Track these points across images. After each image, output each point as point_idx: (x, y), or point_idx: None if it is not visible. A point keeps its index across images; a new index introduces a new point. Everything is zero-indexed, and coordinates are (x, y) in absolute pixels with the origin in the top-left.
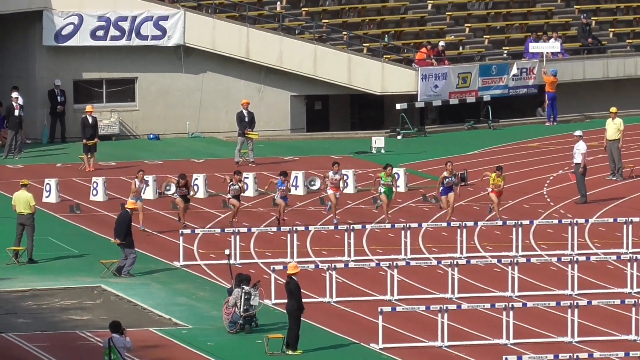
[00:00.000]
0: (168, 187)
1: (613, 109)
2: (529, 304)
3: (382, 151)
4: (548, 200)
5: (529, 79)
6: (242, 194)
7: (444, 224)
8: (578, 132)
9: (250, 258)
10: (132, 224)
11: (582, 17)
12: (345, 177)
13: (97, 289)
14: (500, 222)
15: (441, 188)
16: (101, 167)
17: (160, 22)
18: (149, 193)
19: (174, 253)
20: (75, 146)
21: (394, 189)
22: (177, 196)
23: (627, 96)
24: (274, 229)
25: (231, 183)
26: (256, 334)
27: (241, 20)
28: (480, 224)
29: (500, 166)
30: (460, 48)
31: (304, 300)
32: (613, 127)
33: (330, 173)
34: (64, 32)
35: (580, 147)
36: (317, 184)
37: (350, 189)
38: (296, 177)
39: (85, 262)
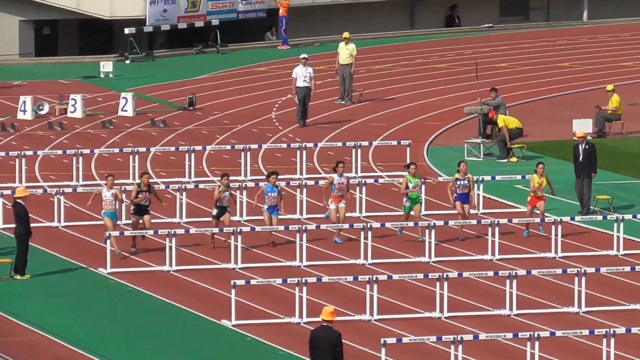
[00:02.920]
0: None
1: (346, 34)
2: (258, 228)
3: (111, 75)
4: (277, 124)
5: (258, 4)
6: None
7: (173, 148)
8: (303, 55)
9: None
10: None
11: None
12: (349, 181)
13: None
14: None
15: (456, 194)
16: None
17: None
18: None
19: None
20: None
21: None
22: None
23: (359, 21)
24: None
25: (221, 189)
26: None
27: None
28: (208, 148)
29: (540, 162)
30: None
31: (32, 225)
32: (346, 52)
33: (335, 176)
34: None
35: (309, 71)
36: (46, 108)
37: (78, 114)
38: (24, 101)
39: None
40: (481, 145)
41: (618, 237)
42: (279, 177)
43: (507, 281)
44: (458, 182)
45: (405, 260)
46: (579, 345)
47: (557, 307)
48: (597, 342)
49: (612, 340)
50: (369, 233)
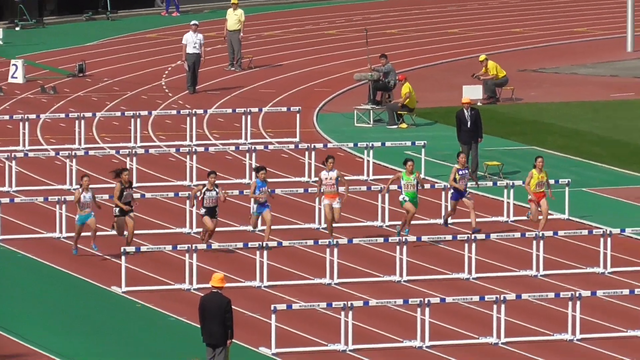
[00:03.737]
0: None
1: (234, 0)
2: (148, 195)
3: (0, 42)
4: (167, 91)
5: None
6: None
7: (63, 115)
8: (193, 22)
9: None
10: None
11: None
12: (343, 176)
13: None
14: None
15: (451, 191)
16: None
17: None
18: None
19: None
20: None
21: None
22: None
23: None
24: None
25: (205, 189)
26: None
27: None
28: (98, 114)
29: (539, 156)
30: None
31: None
32: (234, 18)
33: (323, 173)
34: None
35: (199, 38)
36: None
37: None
38: None
39: None
40: (371, 111)
41: (508, 203)
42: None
43: (397, 247)
44: (459, 173)
45: (297, 227)
46: (467, 311)
47: (448, 274)
48: (487, 308)
49: (503, 306)
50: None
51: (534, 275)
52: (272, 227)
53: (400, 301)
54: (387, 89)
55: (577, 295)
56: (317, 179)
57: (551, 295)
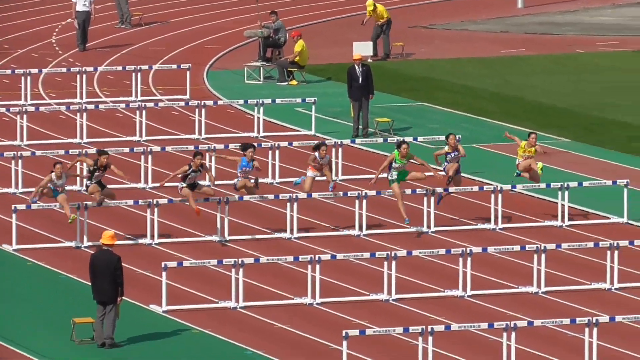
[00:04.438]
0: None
1: None
2: (39, 153)
3: None
4: (57, 49)
5: None
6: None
7: None
8: None
9: None
10: None
11: None
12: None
13: None
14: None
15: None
16: None
17: None
18: None
19: None
20: None
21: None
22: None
23: None
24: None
25: (191, 170)
26: None
27: None
28: None
29: (532, 132)
30: None
31: None
32: None
33: (316, 154)
34: None
35: None
36: None
37: None
38: None
39: None
40: (261, 68)
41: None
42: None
43: (288, 204)
44: (448, 156)
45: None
46: (357, 267)
47: (339, 230)
48: (378, 265)
49: (395, 262)
50: (149, 157)
51: (425, 231)
52: (159, 183)
53: (290, 258)
54: (278, 46)
55: (467, 251)
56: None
57: (442, 251)
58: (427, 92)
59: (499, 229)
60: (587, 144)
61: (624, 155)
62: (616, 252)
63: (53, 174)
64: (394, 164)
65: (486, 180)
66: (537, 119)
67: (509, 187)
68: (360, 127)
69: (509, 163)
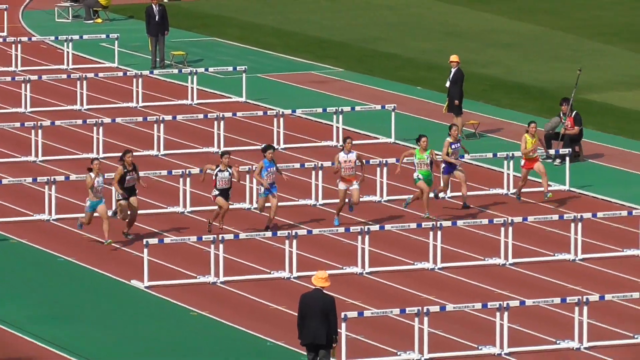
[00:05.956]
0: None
1: None
2: None
3: None
4: None
5: None
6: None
7: None
8: None
9: None
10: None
11: None
12: (363, 161)
13: None
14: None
15: (443, 165)
16: None
17: None
18: None
19: None
20: None
21: (433, 169)
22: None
23: None
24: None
25: (218, 169)
26: None
27: None
28: None
29: (532, 121)
30: None
31: None
32: None
33: (341, 154)
34: None
35: None
36: None
37: None
38: None
39: None
40: (70, 8)
41: (192, 88)
42: None
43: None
44: (452, 147)
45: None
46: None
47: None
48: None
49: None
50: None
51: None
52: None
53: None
54: None
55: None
56: (335, 162)
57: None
58: (217, 28)
59: (282, 148)
60: (358, 73)
61: (392, 82)
62: (386, 169)
63: (92, 172)
64: (415, 160)
65: (270, 105)
66: (315, 51)
67: (289, 111)
68: (158, 59)
69: (290, 90)
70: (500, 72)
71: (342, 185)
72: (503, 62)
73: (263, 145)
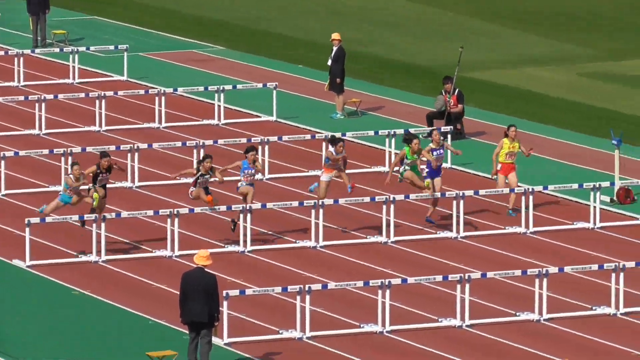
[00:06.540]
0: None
1: None
2: None
3: None
4: None
5: None
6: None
7: None
8: None
9: None
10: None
11: None
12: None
13: None
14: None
15: (427, 170)
16: None
17: None
18: None
19: None
20: None
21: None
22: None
23: None
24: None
25: (200, 174)
26: None
27: None
28: None
29: (511, 125)
30: None
31: None
32: None
33: (331, 149)
34: None
35: None
36: None
37: None
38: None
39: None
40: None
41: (73, 66)
42: None
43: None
44: (434, 153)
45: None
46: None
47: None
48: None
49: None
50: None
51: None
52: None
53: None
54: None
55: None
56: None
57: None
58: (98, 6)
59: (222, 124)
60: (240, 52)
61: (274, 61)
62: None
63: (72, 176)
64: (405, 160)
65: (151, 84)
66: (195, 29)
67: (171, 90)
68: (39, 38)
69: (170, 68)
70: (384, 51)
71: (326, 176)
72: (387, 41)
73: (247, 147)
